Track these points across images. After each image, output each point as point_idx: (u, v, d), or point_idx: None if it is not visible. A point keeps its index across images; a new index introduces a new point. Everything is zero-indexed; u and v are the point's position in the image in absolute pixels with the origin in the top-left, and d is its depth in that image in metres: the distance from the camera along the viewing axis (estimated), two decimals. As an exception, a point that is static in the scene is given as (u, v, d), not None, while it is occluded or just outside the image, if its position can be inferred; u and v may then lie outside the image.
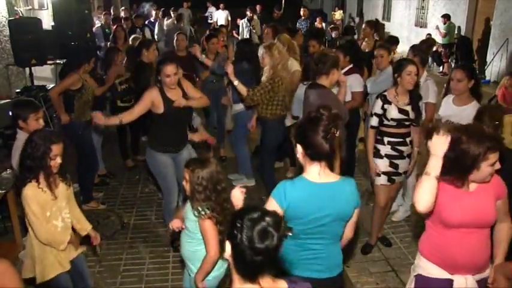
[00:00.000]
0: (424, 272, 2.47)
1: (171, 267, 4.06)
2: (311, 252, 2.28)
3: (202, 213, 2.59)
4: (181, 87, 4.02)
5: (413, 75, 3.80)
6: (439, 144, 2.19)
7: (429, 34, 12.26)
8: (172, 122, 3.98)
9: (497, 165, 2.28)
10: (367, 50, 6.61)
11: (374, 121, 3.94)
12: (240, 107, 5.29)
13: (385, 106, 3.87)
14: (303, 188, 2.20)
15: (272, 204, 2.17)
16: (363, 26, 7.38)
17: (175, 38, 6.41)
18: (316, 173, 2.20)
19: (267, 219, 1.50)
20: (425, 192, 2.20)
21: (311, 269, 2.28)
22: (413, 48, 4.79)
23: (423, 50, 4.97)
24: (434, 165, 2.20)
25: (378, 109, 3.90)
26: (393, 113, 3.85)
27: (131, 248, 4.38)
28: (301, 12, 12.16)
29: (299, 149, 2.22)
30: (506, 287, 2.41)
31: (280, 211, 2.04)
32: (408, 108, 3.87)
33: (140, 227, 4.76)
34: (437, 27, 12.16)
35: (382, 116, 3.90)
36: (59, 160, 2.76)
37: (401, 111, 3.85)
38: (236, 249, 1.51)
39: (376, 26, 7.41)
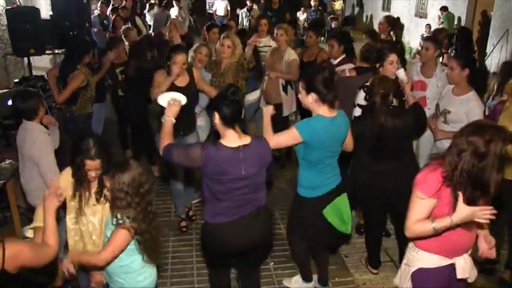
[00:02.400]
0: (425, 264, 2.47)
1: (171, 257, 4.08)
2: (329, 170, 3.08)
3: (121, 221, 2.43)
4: (191, 75, 4.15)
5: (395, 64, 3.84)
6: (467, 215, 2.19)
7: (428, 25, 12.21)
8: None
9: None
10: None
11: (357, 112, 3.96)
12: (253, 97, 5.33)
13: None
14: (321, 122, 2.90)
15: (293, 133, 2.90)
16: (381, 20, 6.97)
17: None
18: (326, 110, 2.93)
19: (232, 87, 2.70)
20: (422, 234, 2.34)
21: (331, 183, 3.11)
22: (434, 40, 4.63)
23: (440, 40, 4.92)
24: (443, 226, 2.25)
25: (360, 100, 3.91)
26: None
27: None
28: (312, 3, 12.21)
29: (313, 96, 2.89)
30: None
31: (299, 139, 2.90)
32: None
33: (140, 217, 4.76)
34: (439, 17, 12.14)
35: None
36: (93, 174, 2.67)
37: None
38: (220, 108, 2.59)
39: (395, 24, 6.97)
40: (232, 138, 2.64)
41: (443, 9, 12.02)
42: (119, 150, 6.21)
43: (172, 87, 3.98)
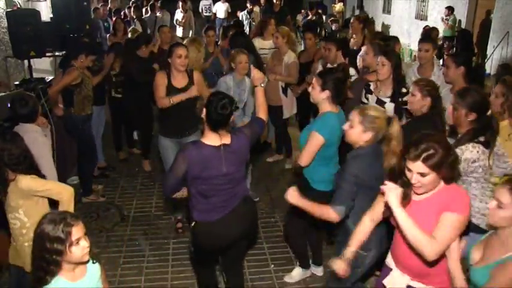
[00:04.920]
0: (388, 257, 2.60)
1: (171, 260, 4.08)
2: (336, 169, 3.20)
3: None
4: (192, 77, 4.14)
5: (381, 65, 3.86)
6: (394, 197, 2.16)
7: (427, 26, 12.20)
8: (175, 107, 4.05)
9: (415, 177, 2.14)
10: (355, 48, 5.87)
11: None
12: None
13: (367, 95, 4.01)
14: (334, 118, 3.12)
15: (318, 139, 3.06)
16: (351, 20, 6.88)
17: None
18: (334, 107, 3.16)
19: (226, 99, 2.71)
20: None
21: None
22: (432, 41, 4.70)
23: (434, 39, 4.94)
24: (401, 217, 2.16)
25: (362, 98, 4.05)
26: (371, 103, 3.93)
27: (131, 241, 4.38)
28: (309, 12, 12.61)
29: (326, 93, 3.09)
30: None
31: (323, 142, 3.06)
32: (387, 100, 3.90)
33: (140, 219, 4.77)
34: (442, 19, 12.08)
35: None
36: None
37: (378, 101, 3.91)
38: (209, 113, 2.70)
39: (366, 22, 6.98)
40: (213, 138, 2.77)
41: (450, 9, 11.92)
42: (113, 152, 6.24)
43: (171, 88, 4.01)
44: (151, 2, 11.52)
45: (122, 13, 10.67)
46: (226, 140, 2.79)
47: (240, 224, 2.91)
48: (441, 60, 12.17)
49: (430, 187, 2.19)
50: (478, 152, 2.79)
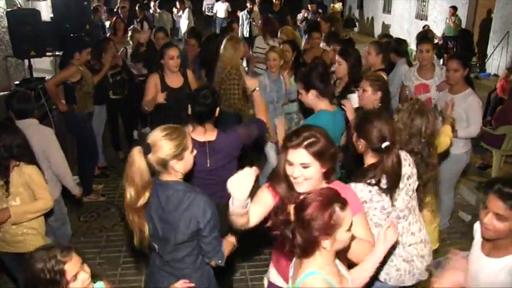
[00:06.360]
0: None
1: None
2: None
3: None
4: (186, 77, 4.16)
5: (337, 64, 3.96)
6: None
7: (427, 26, 12.20)
8: (171, 109, 4.04)
9: (297, 170, 1.97)
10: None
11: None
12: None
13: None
14: (326, 116, 3.07)
15: None
16: (319, 20, 6.89)
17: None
18: (328, 105, 3.16)
19: (207, 90, 2.89)
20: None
21: None
22: (432, 42, 4.76)
23: (431, 39, 4.98)
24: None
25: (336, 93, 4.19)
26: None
27: (131, 240, 4.37)
28: (309, 7, 12.72)
29: (312, 92, 3.08)
30: None
31: None
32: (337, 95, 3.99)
33: (140, 219, 4.76)
34: (451, 18, 12.07)
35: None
36: None
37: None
38: (193, 107, 2.82)
39: (332, 21, 6.92)
40: (199, 133, 2.84)
41: (454, 8, 11.92)
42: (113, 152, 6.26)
43: (167, 89, 4.01)
44: (145, 2, 11.55)
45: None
46: (212, 136, 2.85)
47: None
48: (441, 60, 12.24)
49: (312, 183, 2.00)
50: (370, 192, 2.36)
